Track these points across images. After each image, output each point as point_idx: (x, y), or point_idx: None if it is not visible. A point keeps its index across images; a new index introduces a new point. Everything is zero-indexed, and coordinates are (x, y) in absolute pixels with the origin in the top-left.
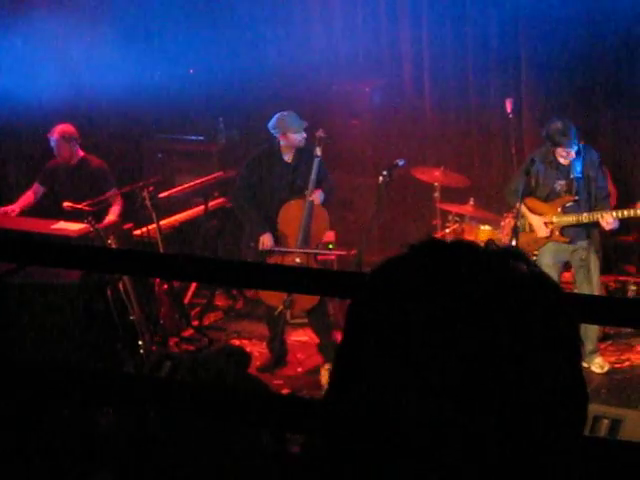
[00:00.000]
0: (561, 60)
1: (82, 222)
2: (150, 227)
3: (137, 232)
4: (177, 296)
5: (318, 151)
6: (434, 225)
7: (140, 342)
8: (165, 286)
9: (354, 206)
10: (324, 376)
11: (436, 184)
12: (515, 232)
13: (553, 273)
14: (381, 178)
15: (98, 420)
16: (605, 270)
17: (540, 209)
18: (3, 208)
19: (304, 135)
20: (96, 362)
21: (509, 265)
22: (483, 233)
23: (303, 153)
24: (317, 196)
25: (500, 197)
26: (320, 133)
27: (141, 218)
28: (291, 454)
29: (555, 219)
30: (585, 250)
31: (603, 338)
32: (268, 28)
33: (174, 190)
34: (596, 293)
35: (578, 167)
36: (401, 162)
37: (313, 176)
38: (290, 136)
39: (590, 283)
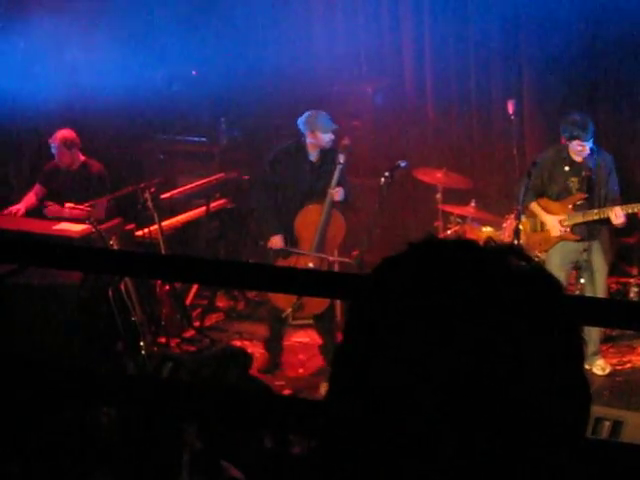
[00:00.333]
0: (563, 61)
1: (84, 223)
2: (152, 228)
3: (139, 233)
4: (179, 297)
5: (341, 158)
6: (436, 226)
7: (141, 343)
8: (167, 287)
9: (355, 207)
10: (324, 389)
11: (438, 185)
12: (517, 233)
13: (562, 274)
14: (383, 179)
15: (100, 420)
16: (609, 272)
17: (552, 208)
18: (9, 208)
19: (332, 137)
20: (97, 363)
21: (508, 262)
22: (485, 234)
23: (327, 155)
24: (339, 192)
25: (502, 199)
26: (346, 141)
27: (143, 219)
28: (292, 455)
29: (567, 217)
30: (592, 251)
31: (605, 340)
32: (270, 29)
33: (176, 191)
34: (600, 295)
35: (591, 166)
36: (403, 163)
37: (334, 183)
38: (318, 135)
39: (593, 285)
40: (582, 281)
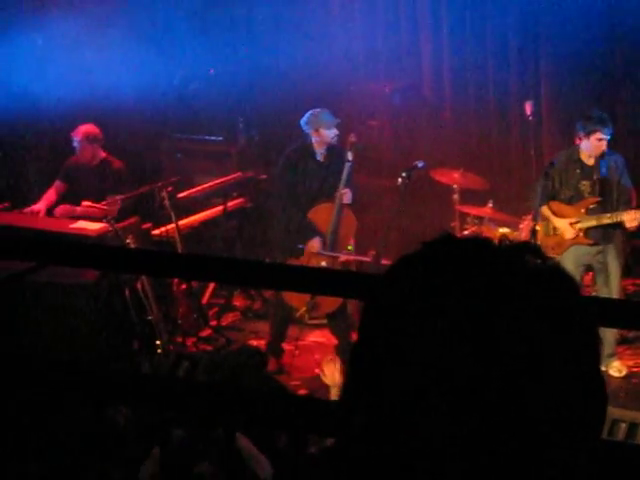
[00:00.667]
0: (581, 63)
1: (101, 221)
2: (169, 227)
3: (156, 232)
4: (195, 296)
5: (350, 156)
6: (452, 227)
7: (158, 342)
8: (183, 286)
9: (372, 208)
10: (326, 369)
11: (455, 186)
12: (534, 234)
13: (575, 277)
14: (400, 180)
15: (116, 419)
16: (623, 274)
17: (564, 212)
18: (29, 208)
19: (336, 132)
20: (113, 362)
21: (524, 260)
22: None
23: (334, 153)
24: (347, 194)
25: (519, 200)
26: (352, 138)
27: (160, 218)
28: (308, 455)
29: (580, 221)
30: (606, 254)
31: (621, 342)
32: (287, 29)
33: (193, 190)
34: (615, 297)
35: (603, 168)
36: (420, 164)
37: (343, 181)
38: (322, 132)
39: (609, 287)
40: (598, 283)
